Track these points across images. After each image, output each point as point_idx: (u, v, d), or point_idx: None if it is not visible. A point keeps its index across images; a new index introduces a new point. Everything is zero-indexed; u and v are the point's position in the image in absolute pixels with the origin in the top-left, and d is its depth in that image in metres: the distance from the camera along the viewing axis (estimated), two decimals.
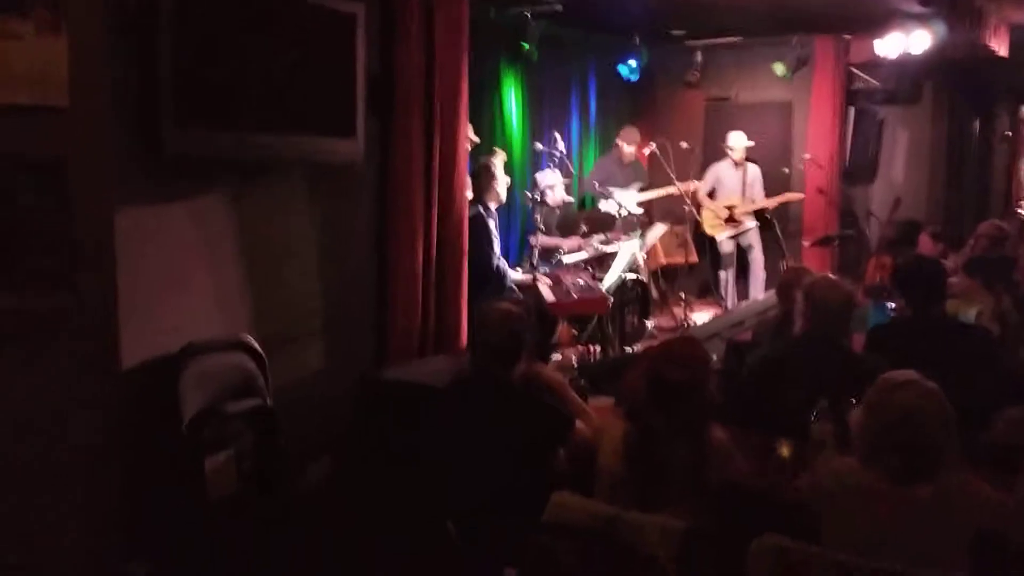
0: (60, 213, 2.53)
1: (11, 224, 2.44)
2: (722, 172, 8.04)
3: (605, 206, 7.34)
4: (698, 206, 7.89)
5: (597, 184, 7.56)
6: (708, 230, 8.02)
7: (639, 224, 7.02)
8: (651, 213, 8.08)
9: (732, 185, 8.00)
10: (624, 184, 7.69)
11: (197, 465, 3.06)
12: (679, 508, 2.33)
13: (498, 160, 5.43)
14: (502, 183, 5.37)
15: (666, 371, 2.45)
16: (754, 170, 8.03)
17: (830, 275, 3.49)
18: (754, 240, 7.99)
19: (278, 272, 3.75)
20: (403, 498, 3.18)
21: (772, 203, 7.92)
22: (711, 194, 8.09)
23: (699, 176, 8.10)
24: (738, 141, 7.92)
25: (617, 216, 6.87)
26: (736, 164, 7.95)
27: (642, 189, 7.82)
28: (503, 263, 5.41)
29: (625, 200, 7.29)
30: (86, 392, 2.65)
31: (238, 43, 3.26)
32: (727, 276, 8.07)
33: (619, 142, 7.79)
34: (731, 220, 7.95)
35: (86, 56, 2.59)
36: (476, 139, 6.25)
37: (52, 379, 2.57)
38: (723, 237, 8.01)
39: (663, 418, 2.44)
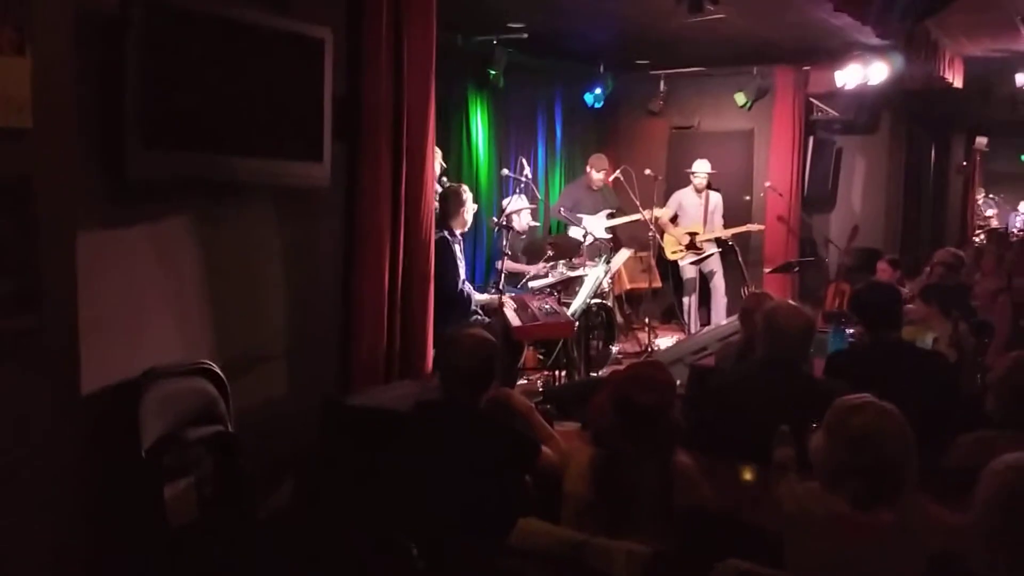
0: (22, 235, 2.49)
1: None
2: (685, 199, 8.15)
3: (574, 232, 7.40)
4: (661, 232, 7.98)
5: (563, 210, 7.62)
6: (670, 256, 8.12)
7: (604, 249, 7.08)
8: (616, 239, 8.15)
9: (694, 212, 8.11)
10: (593, 210, 7.76)
11: (157, 492, 3.01)
12: (645, 533, 2.34)
13: (468, 191, 5.48)
14: (470, 210, 5.40)
15: (634, 394, 2.47)
16: (716, 198, 8.15)
17: (791, 301, 3.53)
18: (715, 266, 8.09)
19: (242, 296, 3.72)
20: (367, 524, 3.16)
21: (731, 233, 8.03)
22: (674, 220, 8.19)
23: (663, 203, 8.19)
24: (701, 167, 8.04)
25: (583, 242, 6.93)
26: (698, 191, 8.06)
27: (611, 215, 7.89)
28: (468, 287, 5.42)
29: (593, 226, 7.36)
30: (45, 417, 2.60)
31: (206, 65, 3.24)
32: (690, 301, 8.16)
33: (588, 168, 7.87)
34: (692, 246, 8.05)
35: (51, 77, 2.56)
36: (443, 164, 6.29)
37: (11, 403, 2.52)
38: (685, 263, 8.10)
39: (630, 442, 2.45)
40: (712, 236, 8.04)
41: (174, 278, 3.40)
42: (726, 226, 8.08)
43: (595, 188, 7.87)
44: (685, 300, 8.20)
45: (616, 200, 8.12)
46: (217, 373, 3.38)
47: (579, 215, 7.62)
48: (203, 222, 3.49)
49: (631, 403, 2.46)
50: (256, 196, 3.73)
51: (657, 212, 7.92)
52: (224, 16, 3.31)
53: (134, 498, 3.02)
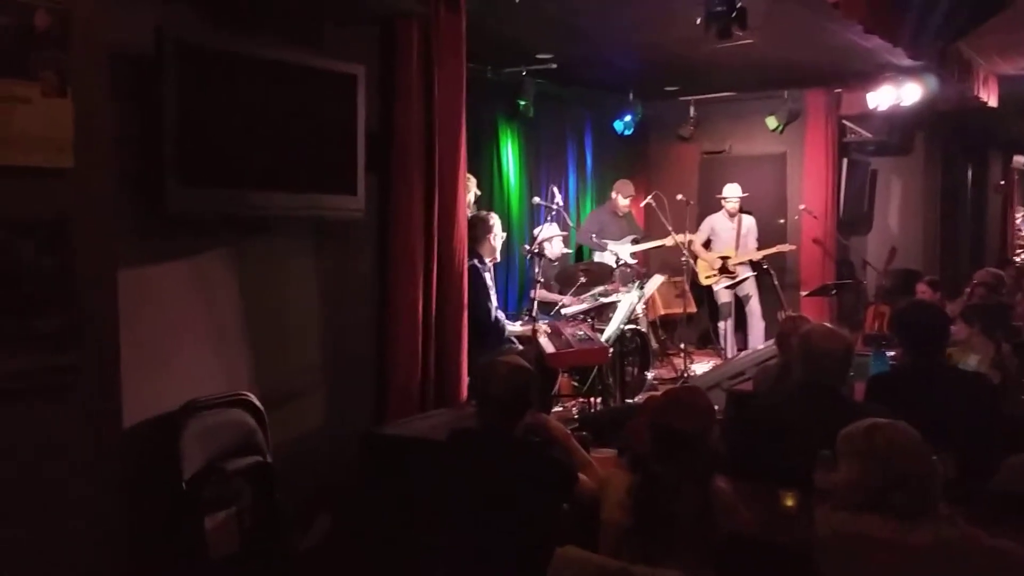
0: (64, 273, 2.54)
1: (16, 284, 2.45)
2: (717, 223, 8.11)
3: (601, 257, 7.39)
4: (694, 257, 7.95)
5: (594, 236, 7.62)
6: (704, 281, 8.06)
7: (637, 275, 7.05)
8: (649, 264, 8.12)
9: (727, 236, 8.07)
10: (618, 236, 7.75)
11: (198, 523, 3.03)
12: (684, 560, 2.30)
13: (495, 217, 5.50)
14: (498, 238, 5.41)
15: (672, 420, 2.45)
16: (749, 221, 8.09)
17: (828, 324, 3.47)
18: (751, 290, 8.02)
19: (279, 328, 3.76)
20: (405, 556, 3.15)
21: (761, 255, 7.97)
22: (708, 245, 8.14)
23: (695, 228, 8.16)
24: (732, 192, 8.00)
25: (615, 267, 6.91)
26: (731, 215, 8.02)
27: (635, 241, 7.87)
28: (501, 315, 5.42)
29: (620, 252, 7.35)
30: (90, 451, 2.64)
31: (241, 103, 3.32)
32: (726, 326, 8.08)
33: (614, 194, 7.87)
34: (725, 271, 7.99)
35: (91, 117, 2.64)
36: (478, 191, 6.34)
37: (56, 438, 2.56)
38: (720, 287, 8.04)
39: (669, 468, 2.42)
40: (743, 259, 7.98)
41: (212, 311, 3.45)
42: (760, 249, 8.03)
43: (620, 214, 7.86)
44: (721, 325, 8.13)
45: (638, 227, 8.12)
46: (255, 404, 3.41)
47: (604, 241, 7.61)
48: (240, 255, 3.54)
49: (670, 428, 2.44)
50: (292, 229, 3.79)
51: (689, 237, 7.89)
52: (258, 56, 3.38)
53: (176, 529, 3.05)
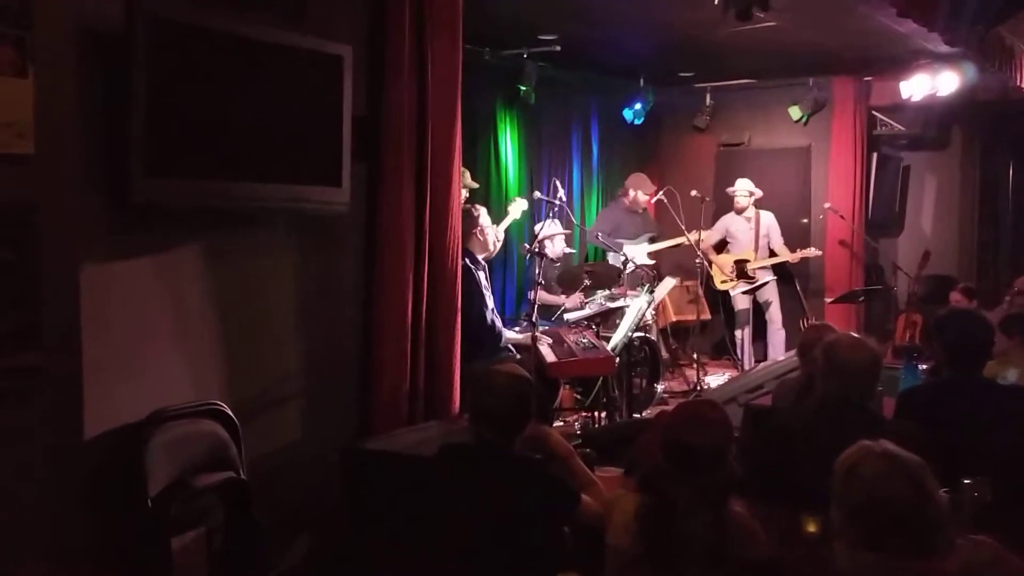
0: (23, 267, 2.55)
1: None
2: (733, 223, 8.12)
3: (613, 259, 7.40)
4: (709, 258, 7.96)
5: (600, 235, 7.63)
6: (719, 286, 8.06)
7: (647, 278, 7.07)
8: (659, 266, 8.14)
9: (744, 237, 8.07)
10: (633, 235, 7.76)
11: (164, 544, 3.03)
12: None
13: (481, 209, 5.50)
14: (489, 231, 5.43)
15: (686, 436, 2.45)
16: (767, 218, 8.10)
17: (854, 333, 3.48)
18: (771, 295, 8.03)
19: (255, 332, 3.77)
20: None
21: (783, 260, 7.97)
22: (722, 246, 8.15)
23: (710, 226, 8.17)
24: (741, 186, 8.00)
25: (623, 269, 6.92)
26: (738, 212, 8.02)
27: (652, 240, 7.87)
28: (497, 320, 5.44)
29: (635, 252, 7.35)
30: (46, 461, 2.65)
31: (216, 85, 3.32)
32: (743, 335, 8.10)
33: (630, 189, 7.86)
34: (743, 275, 7.99)
35: (54, 100, 2.65)
36: (474, 184, 6.35)
37: (10, 445, 2.57)
38: (736, 293, 8.05)
39: (681, 489, 2.43)
40: (765, 263, 7.98)
41: (182, 312, 3.46)
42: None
43: (637, 211, 7.88)
44: (738, 333, 8.15)
45: (655, 224, 8.12)
46: (228, 414, 3.42)
47: (619, 240, 7.62)
48: (213, 252, 3.55)
49: (683, 445, 2.45)
50: (270, 224, 3.80)
51: (697, 236, 7.89)
52: (235, 32, 3.39)
53: (140, 550, 3.05)
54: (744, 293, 8.05)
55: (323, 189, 3.82)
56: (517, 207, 6.67)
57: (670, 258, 8.36)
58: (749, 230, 8.05)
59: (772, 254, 8.06)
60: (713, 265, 8.03)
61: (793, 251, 8.01)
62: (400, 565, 2.98)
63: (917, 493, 2.07)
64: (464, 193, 6.27)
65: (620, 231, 7.76)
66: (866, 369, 3.11)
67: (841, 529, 2.21)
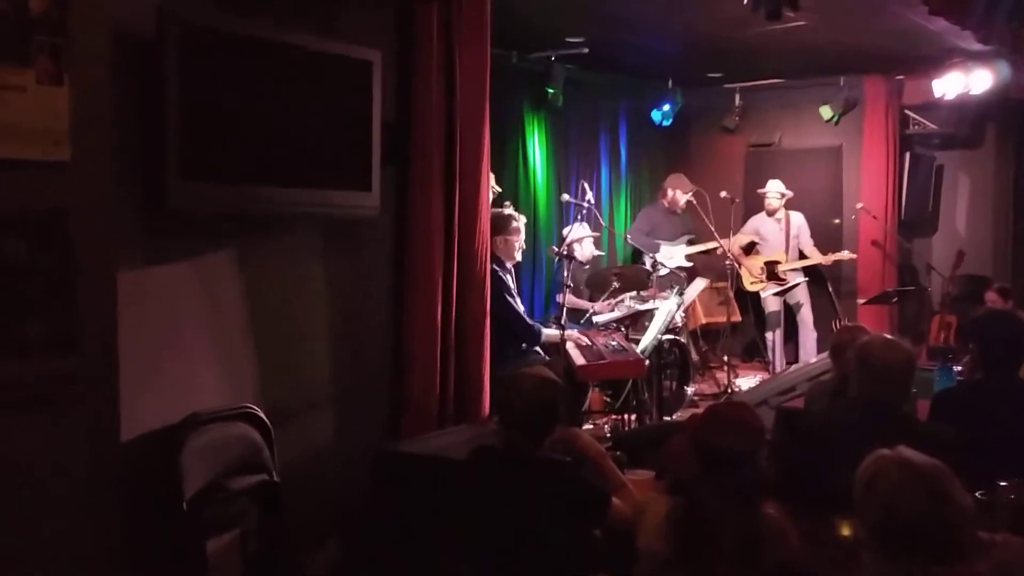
0: (60, 274, 2.59)
1: (8, 285, 2.50)
2: (763, 225, 8.08)
3: (655, 261, 7.39)
4: (738, 260, 7.92)
5: (630, 237, 7.62)
6: (749, 287, 8.01)
7: (677, 280, 7.05)
8: (693, 268, 8.10)
9: (774, 239, 8.02)
10: (672, 236, 7.72)
11: (199, 546, 3.07)
12: None
13: (522, 219, 5.53)
14: (519, 242, 5.45)
15: (716, 438, 2.45)
16: (798, 219, 8.04)
17: (887, 335, 3.45)
18: (803, 297, 7.97)
19: (287, 336, 3.80)
20: None
21: (813, 262, 7.90)
22: (752, 248, 8.10)
23: (740, 228, 8.13)
24: (773, 187, 7.95)
25: (653, 272, 6.91)
26: (770, 213, 7.97)
27: (691, 241, 7.83)
28: (532, 321, 5.45)
29: (672, 254, 7.33)
30: (84, 465, 2.69)
31: (248, 93, 3.36)
32: (774, 337, 8.05)
33: (668, 189, 7.84)
34: (773, 276, 7.93)
35: (89, 107, 2.68)
36: (498, 188, 6.36)
37: (48, 450, 2.61)
38: (767, 294, 8.00)
39: (713, 492, 2.42)
40: (796, 265, 7.93)
41: (217, 316, 3.50)
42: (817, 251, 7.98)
43: (676, 211, 7.83)
44: (768, 336, 8.10)
45: (692, 225, 8.09)
46: (261, 418, 3.45)
47: (656, 241, 7.60)
48: (246, 256, 3.59)
49: (714, 448, 2.45)
50: (302, 228, 3.83)
51: (746, 238, 7.84)
52: (266, 39, 3.43)
53: (176, 552, 3.08)
54: (775, 295, 8.00)
55: (353, 194, 3.85)
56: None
57: (700, 259, 8.33)
58: (780, 231, 8.00)
59: (802, 256, 8.00)
60: (742, 267, 7.99)
61: (824, 252, 7.95)
62: (430, 568, 3.00)
63: (935, 500, 2.06)
64: (491, 196, 6.30)
65: (658, 232, 7.73)
66: (900, 370, 3.08)
67: (865, 541, 2.20)
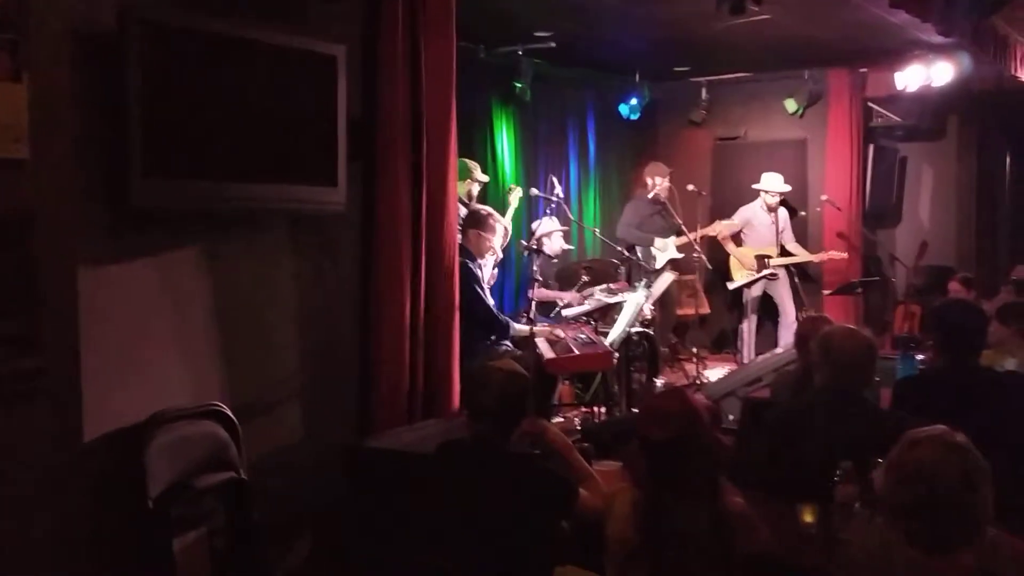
0: (21, 272, 2.57)
1: None
2: (756, 217, 8.01)
3: (644, 254, 7.40)
4: (729, 250, 7.89)
5: (630, 231, 7.61)
6: (737, 279, 7.97)
7: (644, 273, 7.08)
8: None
9: (765, 232, 7.96)
10: (662, 227, 7.67)
11: (166, 545, 3.05)
12: None
13: (502, 221, 5.54)
14: (496, 241, 5.46)
15: (647, 430, 2.48)
16: (784, 214, 8.04)
17: (849, 325, 3.51)
18: (784, 288, 7.96)
19: (254, 332, 3.78)
20: None
21: (816, 259, 7.91)
22: (736, 237, 8.09)
23: (707, 221, 8.14)
24: (773, 184, 7.88)
25: (647, 265, 6.92)
26: (771, 210, 7.96)
27: (679, 233, 7.77)
28: (501, 315, 5.46)
29: (668, 246, 7.34)
30: (47, 464, 2.67)
31: (211, 88, 3.33)
32: (749, 326, 8.04)
33: (647, 178, 7.82)
34: (763, 269, 7.91)
35: (48, 105, 2.66)
36: (484, 177, 6.38)
37: (11, 449, 2.59)
38: (754, 285, 7.97)
39: (663, 484, 2.44)
40: (787, 261, 7.89)
41: (181, 314, 3.47)
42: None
43: (662, 201, 7.82)
44: (744, 325, 8.05)
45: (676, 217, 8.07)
46: (228, 415, 3.43)
47: (650, 235, 7.60)
48: (211, 253, 3.57)
49: (645, 440, 2.48)
50: (267, 224, 3.81)
51: (721, 225, 7.82)
52: (230, 34, 3.40)
53: (142, 551, 3.07)
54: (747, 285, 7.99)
55: (319, 189, 3.83)
56: (515, 196, 6.70)
57: None
58: (771, 225, 7.93)
59: (784, 252, 7.95)
60: (732, 257, 7.97)
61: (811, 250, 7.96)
62: (401, 562, 3.00)
63: (965, 487, 2.08)
64: (476, 187, 6.32)
65: (647, 225, 7.71)
66: (861, 358, 3.13)
67: (884, 494, 2.22)
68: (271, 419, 3.86)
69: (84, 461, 2.85)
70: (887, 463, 2.23)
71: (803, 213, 8.54)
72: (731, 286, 7.94)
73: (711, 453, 2.49)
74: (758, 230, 8.02)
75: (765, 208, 7.96)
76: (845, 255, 8.05)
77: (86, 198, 3.01)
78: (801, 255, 7.93)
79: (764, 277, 7.81)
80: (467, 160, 6.46)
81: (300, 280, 3.97)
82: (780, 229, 7.94)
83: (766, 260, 7.90)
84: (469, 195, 6.35)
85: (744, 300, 8.06)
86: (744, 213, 8.10)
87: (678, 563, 2.42)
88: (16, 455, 2.60)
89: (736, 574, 2.41)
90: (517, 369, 3.00)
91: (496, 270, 6.11)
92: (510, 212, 6.61)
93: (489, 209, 5.71)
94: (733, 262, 7.97)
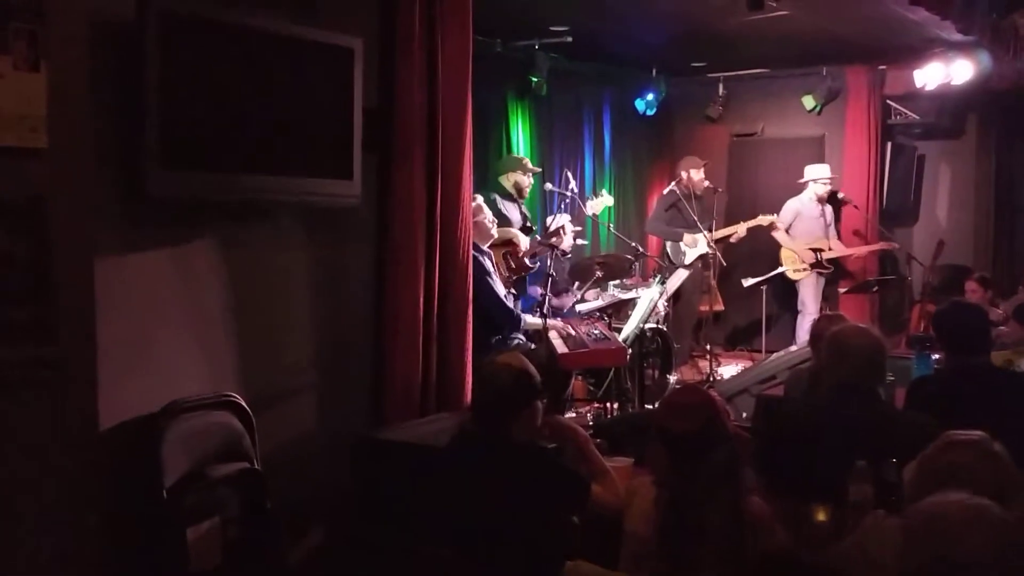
0: (38, 260, 2.58)
1: None
2: (804, 209, 7.93)
3: (673, 249, 7.38)
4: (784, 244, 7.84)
5: (659, 225, 7.60)
6: (792, 275, 7.91)
7: (659, 269, 7.07)
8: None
9: (814, 225, 7.89)
10: (693, 223, 7.63)
11: (180, 534, 3.07)
12: None
13: (479, 198, 5.53)
14: (491, 221, 5.45)
15: (667, 423, 2.48)
16: (829, 209, 8.00)
17: (858, 323, 3.50)
18: (811, 283, 7.94)
19: (269, 324, 3.80)
20: (402, 570, 3.18)
21: (866, 250, 7.86)
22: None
23: (723, 220, 8.10)
24: (820, 172, 7.81)
25: (674, 260, 6.90)
26: (821, 201, 7.87)
27: (710, 228, 7.71)
28: (516, 307, 5.45)
29: (698, 242, 7.31)
30: (61, 453, 2.68)
31: (228, 80, 3.34)
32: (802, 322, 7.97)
33: (681, 172, 7.78)
34: (819, 264, 7.86)
35: (66, 94, 2.67)
36: (536, 168, 6.43)
37: (25, 437, 2.60)
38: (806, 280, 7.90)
39: (685, 479, 2.44)
40: (841, 254, 7.81)
41: (196, 304, 3.49)
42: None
43: (698, 193, 7.75)
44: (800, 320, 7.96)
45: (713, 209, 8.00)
46: (242, 406, 3.44)
47: (679, 230, 7.58)
48: (226, 244, 3.58)
49: (666, 433, 2.48)
50: (282, 216, 3.82)
51: (765, 220, 7.74)
52: (248, 26, 3.41)
53: (155, 540, 3.08)
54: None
55: (334, 182, 3.84)
56: (600, 202, 6.81)
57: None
58: (819, 218, 7.88)
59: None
60: (784, 252, 7.86)
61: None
62: (411, 555, 3.01)
63: (995, 497, 2.05)
64: (526, 179, 6.35)
65: (677, 220, 7.68)
66: (871, 356, 3.11)
67: (911, 490, 2.23)
68: (285, 410, 3.88)
69: (99, 450, 2.86)
70: (919, 460, 2.23)
71: (854, 204, 8.35)
72: (746, 283, 7.90)
73: (732, 444, 2.50)
74: (807, 223, 7.92)
75: (815, 199, 7.88)
76: (897, 245, 7.97)
77: (103, 188, 3.02)
78: (844, 249, 7.86)
79: (815, 272, 7.76)
80: (517, 156, 6.52)
81: (315, 272, 3.98)
82: (828, 222, 7.86)
83: (818, 254, 7.82)
84: (517, 187, 6.37)
85: (806, 294, 7.93)
86: (792, 205, 7.99)
87: (692, 561, 2.41)
88: (30, 443, 2.62)
89: (750, 572, 2.40)
90: (518, 363, 2.97)
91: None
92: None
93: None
94: (785, 254, 7.88)
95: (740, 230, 7.74)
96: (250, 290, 3.69)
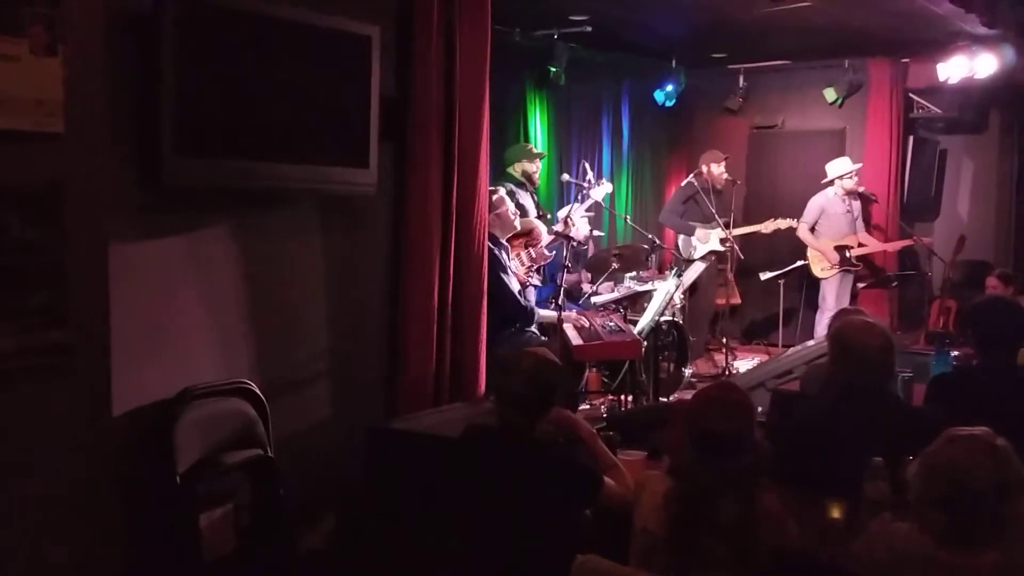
0: (53, 245, 2.59)
1: (1, 257, 2.49)
2: (830, 206, 7.81)
3: (684, 243, 7.35)
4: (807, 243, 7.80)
5: (672, 218, 7.58)
6: (819, 273, 7.83)
7: (676, 262, 7.04)
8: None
9: (841, 222, 7.76)
10: (710, 217, 7.57)
11: (192, 521, 3.08)
12: (722, 574, 2.31)
13: (501, 190, 5.52)
14: (512, 212, 5.43)
15: (707, 421, 2.44)
16: (857, 203, 7.93)
17: (866, 319, 3.44)
18: (833, 279, 7.86)
19: (283, 311, 3.80)
20: (413, 560, 3.19)
21: (897, 245, 7.78)
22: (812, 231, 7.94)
23: (740, 213, 8.05)
24: (843, 167, 7.69)
25: (684, 253, 6.87)
26: (849, 195, 7.76)
27: (727, 225, 7.65)
28: (530, 300, 5.44)
29: (711, 237, 7.27)
30: (75, 438, 2.69)
31: (245, 67, 3.34)
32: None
33: (702, 166, 7.72)
34: (846, 262, 7.78)
35: (83, 79, 2.67)
36: (540, 152, 6.50)
37: (39, 423, 2.61)
38: (830, 277, 7.80)
39: (710, 475, 2.41)
40: (869, 250, 7.71)
41: (211, 292, 3.49)
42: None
43: (718, 187, 7.67)
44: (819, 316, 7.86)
45: (732, 205, 7.92)
46: (256, 393, 3.45)
47: (692, 224, 7.54)
48: (241, 232, 3.58)
49: (705, 431, 2.44)
50: (298, 204, 3.82)
51: (783, 223, 7.63)
52: (264, 12, 3.41)
53: (168, 526, 3.10)
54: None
55: (351, 170, 3.83)
56: (600, 191, 6.76)
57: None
58: (846, 214, 7.75)
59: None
60: (811, 252, 7.76)
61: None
62: (423, 544, 3.01)
63: (997, 493, 2.07)
64: (533, 166, 6.37)
65: (692, 213, 7.63)
66: (878, 352, 3.06)
67: (913, 485, 2.22)
68: (298, 398, 3.88)
69: (112, 435, 2.88)
70: (922, 456, 2.21)
71: (875, 198, 8.25)
72: (763, 277, 7.85)
73: (759, 450, 2.47)
74: (834, 219, 7.77)
75: (841, 195, 7.77)
76: (925, 239, 7.88)
77: (119, 173, 3.03)
78: (873, 244, 7.79)
79: (843, 270, 7.68)
80: (522, 144, 6.51)
81: (330, 260, 3.98)
82: (856, 215, 7.78)
83: (847, 251, 7.72)
84: (526, 175, 6.37)
85: (829, 296, 7.82)
86: (818, 203, 7.82)
87: (704, 556, 2.39)
88: (44, 428, 2.63)
89: (762, 569, 2.38)
90: (549, 356, 2.99)
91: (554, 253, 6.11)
92: (587, 203, 6.73)
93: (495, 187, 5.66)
94: (812, 255, 7.79)
95: (763, 229, 7.66)
96: (265, 277, 3.69)
